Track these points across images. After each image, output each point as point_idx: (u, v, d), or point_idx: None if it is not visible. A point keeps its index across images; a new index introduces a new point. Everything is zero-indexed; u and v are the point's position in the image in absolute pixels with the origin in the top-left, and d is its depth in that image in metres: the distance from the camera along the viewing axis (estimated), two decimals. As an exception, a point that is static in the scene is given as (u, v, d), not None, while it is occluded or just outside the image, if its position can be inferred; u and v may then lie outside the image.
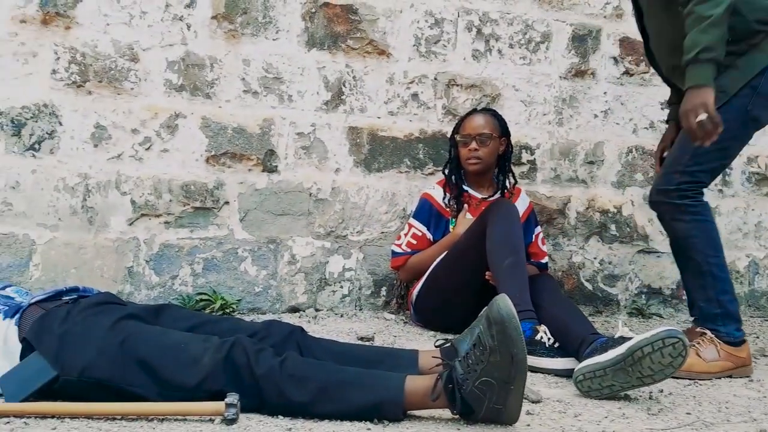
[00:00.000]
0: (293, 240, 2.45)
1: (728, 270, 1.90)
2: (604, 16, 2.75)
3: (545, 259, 2.38)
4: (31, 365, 1.29)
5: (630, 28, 2.77)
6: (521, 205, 2.33)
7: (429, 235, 2.30)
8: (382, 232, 2.54)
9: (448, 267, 2.16)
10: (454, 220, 2.29)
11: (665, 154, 2.06)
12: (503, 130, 2.33)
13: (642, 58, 2.79)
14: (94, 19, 2.24)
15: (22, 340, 1.33)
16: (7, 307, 1.41)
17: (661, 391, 1.66)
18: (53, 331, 1.31)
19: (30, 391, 1.25)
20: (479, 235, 2.03)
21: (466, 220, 2.23)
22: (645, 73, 2.80)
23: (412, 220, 2.35)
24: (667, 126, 2.22)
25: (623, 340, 1.55)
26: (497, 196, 2.32)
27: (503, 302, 1.22)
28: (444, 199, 2.31)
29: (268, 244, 2.42)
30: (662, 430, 1.38)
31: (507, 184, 2.37)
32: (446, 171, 2.36)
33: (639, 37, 2.71)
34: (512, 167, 2.42)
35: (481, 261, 2.00)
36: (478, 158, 2.24)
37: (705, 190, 1.88)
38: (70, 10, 2.23)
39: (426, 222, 2.31)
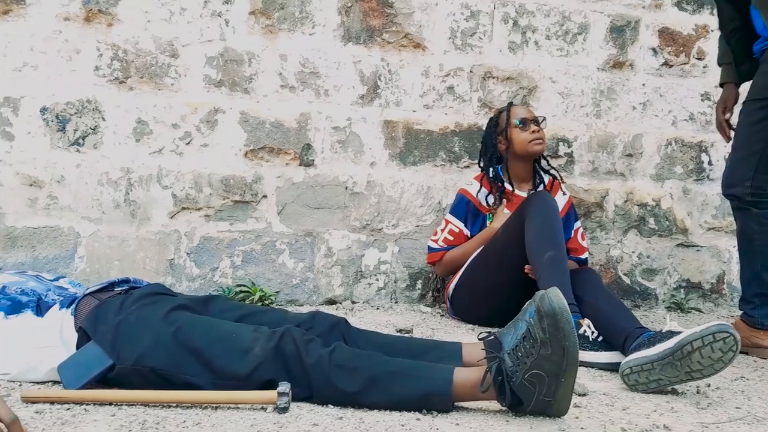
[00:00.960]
0: (329, 233, 2.47)
1: None
2: (643, 6, 2.70)
3: (585, 255, 2.35)
4: (88, 354, 1.32)
5: (669, 18, 2.73)
6: (560, 199, 2.31)
7: (466, 231, 2.30)
8: (418, 226, 2.55)
9: (485, 262, 2.15)
10: (491, 215, 2.28)
11: (727, 115, 2.19)
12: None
13: (682, 49, 2.74)
14: (135, 16, 2.28)
15: (78, 329, 1.36)
16: (62, 298, 1.45)
17: (708, 385, 1.63)
18: (108, 320, 1.34)
19: (88, 379, 1.28)
20: (518, 229, 2.01)
21: (503, 214, 2.21)
22: (684, 64, 2.75)
23: (448, 216, 2.34)
24: (722, 88, 2.23)
25: (672, 334, 1.52)
26: (539, 189, 2.31)
27: (555, 295, 1.22)
28: (479, 194, 2.30)
29: (305, 237, 2.44)
30: (712, 423, 1.36)
31: (545, 177, 2.35)
32: (481, 164, 2.34)
33: (678, 28, 2.66)
34: (550, 161, 2.40)
35: (520, 255, 1.98)
36: (541, 138, 2.25)
37: None
38: (112, 7, 2.27)
39: (463, 218, 2.31)
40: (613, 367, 1.67)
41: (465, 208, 2.31)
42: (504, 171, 2.33)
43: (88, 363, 1.31)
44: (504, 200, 2.27)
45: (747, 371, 1.81)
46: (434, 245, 2.32)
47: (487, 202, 2.29)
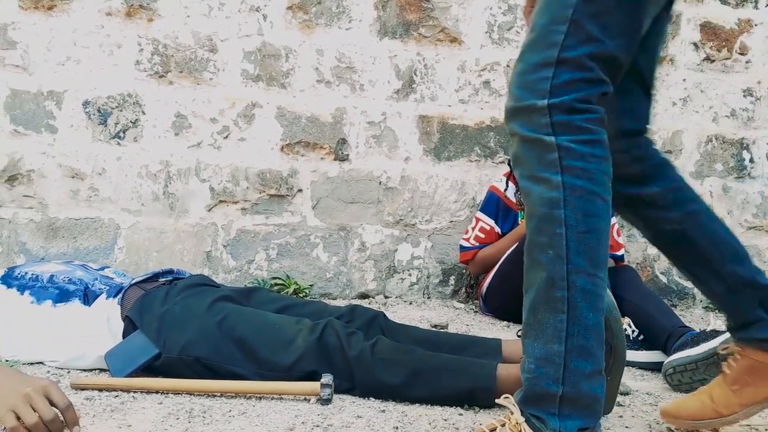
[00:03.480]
0: (363, 227, 2.47)
1: None
2: (685, 0, 2.64)
3: (621, 251, 2.32)
4: (134, 343, 1.34)
5: (712, 12, 2.67)
6: None
7: (497, 229, 2.28)
8: (451, 221, 2.54)
9: (519, 260, 2.12)
10: (522, 212, 2.26)
11: None
12: None
13: (724, 43, 2.68)
14: (175, 11, 2.31)
15: (125, 318, 1.39)
16: (109, 287, 1.48)
17: (753, 387, 1.60)
18: (154, 310, 1.37)
19: (135, 367, 1.30)
20: None
21: None
22: (727, 59, 2.68)
23: (479, 214, 2.33)
24: None
25: (716, 333, 1.50)
26: None
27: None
28: (507, 190, 2.28)
29: (339, 231, 2.45)
30: (761, 425, 1.33)
31: None
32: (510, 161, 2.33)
33: (721, 22, 2.59)
34: None
35: None
36: None
37: None
38: (152, 2, 2.30)
39: (494, 215, 2.29)
40: (653, 366, 1.64)
41: (495, 206, 2.29)
42: None
43: (134, 352, 1.33)
44: None
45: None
46: (466, 244, 2.31)
47: (517, 200, 2.27)
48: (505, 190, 2.28)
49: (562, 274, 0.93)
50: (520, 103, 0.94)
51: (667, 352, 1.59)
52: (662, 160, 1.16)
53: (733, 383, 1.11)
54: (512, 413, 1.00)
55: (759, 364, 1.10)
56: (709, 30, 2.67)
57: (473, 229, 2.31)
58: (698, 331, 1.57)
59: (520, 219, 2.26)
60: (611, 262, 2.22)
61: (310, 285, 2.39)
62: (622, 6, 0.93)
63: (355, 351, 1.29)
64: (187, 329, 1.33)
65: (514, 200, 2.27)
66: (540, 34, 0.94)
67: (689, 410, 1.13)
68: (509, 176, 2.30)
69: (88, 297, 1.44)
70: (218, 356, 1.31)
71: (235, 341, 1.31)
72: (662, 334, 1.66)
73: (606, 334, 1.20)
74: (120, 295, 1.42)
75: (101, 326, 1.38)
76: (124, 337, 1.37)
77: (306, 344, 1.30)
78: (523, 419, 0.98)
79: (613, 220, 2.34)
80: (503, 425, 1.00)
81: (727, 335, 1.44)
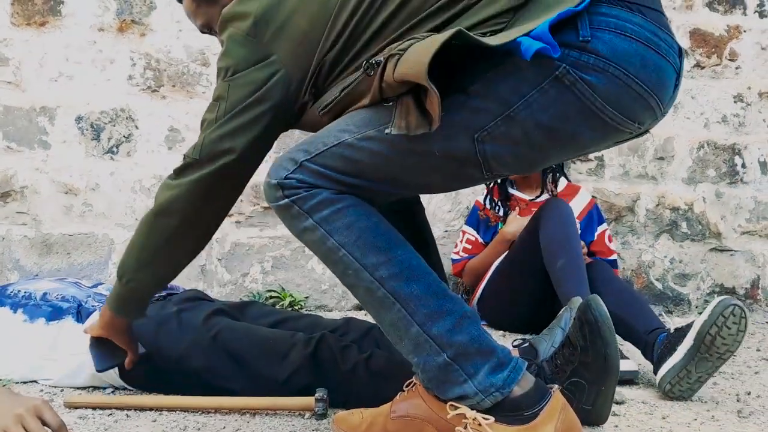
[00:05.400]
0: (358, 239, 2.47)
1: None
2: (674, 8, 2.67)
3: (613, 257, 2.31)
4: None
5: (701, 19, 2.69)
6: (580, 201, 2.29)
7: (481, 239, 2.32)
8: (446, 231, 2.54)
9: (506, 269, 2.16)
10: (502, 224, 2.28)
11: None
12: None
13: (713, 50, 2.70)
14: (167, 25, 2.32)
15: (118, 334, 1.38)
16: (101, 304, 1.47)
17: (749, 393, 1.60)
18: (149, 324, 1.36)
19: (115, 362, 1.27)
20: (533, 236, 2.00)
21: (516, 219, 2.21)
22: (717, 65, 2.70)
23: (465, 227, 2.38)
24: None
25: (683, 330, 1.51)
26: (545, 196, 2.26)
27: (595, 303, 1.20)
28: (486, 200, 2.30)
29: (334, 243, 2.45)
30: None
31: (555, 183, 2.29)
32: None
33: (710, 29, 2.62)
34: (562, 165, 2.34)
35: (539, 262, 1.98)
36: None
37: None
38: (144, 17, 2.31)
39: (476, 226, 2.34)
40: (630, 376, 1.63)
41: (477, 217, 2.34)
42: (513, 180, 2.33)
43: (116, 346, 1.31)
44: (517, 209, 2.27)
45: (788, 379, 1.77)
46: (455, 256, 2.36)
47: (491, 208, 2.29)
48: (485, 199, 2.31)
49: (369, 279, 1.00)
50: (264, 181, 1.06)
51: (653, 364, 1.60)
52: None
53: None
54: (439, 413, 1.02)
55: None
56: (698, 37, 2.70)
57: (461, 241, 2.36)
58: (665, 333, 1.58)
59: (500, 227, 2.29)
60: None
61: (306, 297, 2.39)
62: (388, 171, 1.02)
63: (350, 365, 1.29)
64: (180, 344, 1.33)
65: (491, 210, 2.29)
66: (306, 139, 1.06)
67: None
68: (489, 190, 2.32)
69: (81, 314, 1.43)
70: (212, 371, 1.31)
71: (229, 356, 1.31)
72: (637, 341, 1.67)
73: (599, 343, 1.20)
74: (113, 312, 1.41)
75: (94, 343, 1.37)
76: (117, 354, 1.37)
77: (300, 359, 1.30)
78: (448, 408, 1.01)
79: (604, 226, 2.33)
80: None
81: (696, 328, 1.46)
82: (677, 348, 1.49)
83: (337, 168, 1.00)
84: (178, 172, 1.12)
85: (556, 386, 1.06)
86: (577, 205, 2.24)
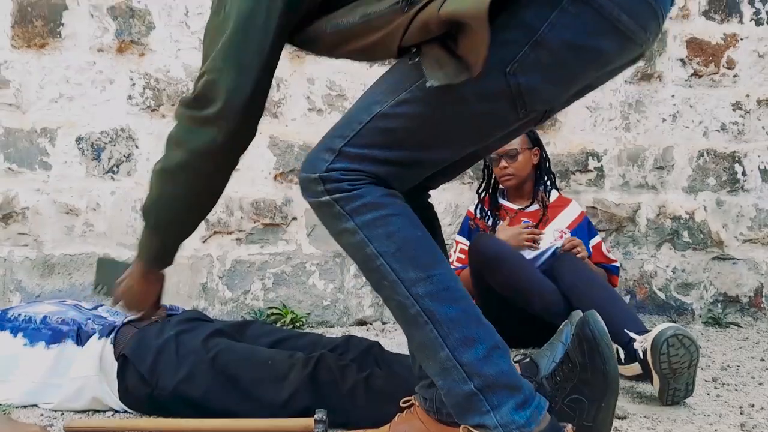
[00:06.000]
0: (359, 253, 2.47)
1: None
2: (670, 17, 2.67)
3: (615, 264, 2.25)
4: None
5: (697, 28, 2.70)
6: (570, 214, 2.24)
7: None
8: (446, 244, 2.54)
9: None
10: (492, 233, 2.27)
11: None
12: (533, 141, 2.26)
13: (711, 58, 2.71)
14: (166, 45, 2.34)
15: (118, 357, 1.38)
16: (101, 327, 1.48)
17: (752, 405, 1.59)
18: (149, 347, 1.37)
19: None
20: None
21: (505, 229, 2.19)
22: (714, 74, 2.71)
23: (457, 237, 2.37)
24: None
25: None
26: (535, 206, 2.24)
27: (593, 319, 1.20)
28: (476, 209, 2.29)
29: (335, 258, 2.45)
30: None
31: (546, 194, 2.27)
32: (479, 191, 2.32)
33: (707, 38, 2.62)
34: (554, 176, 2.33)
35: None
36: (510, 175, 2.21)
37: None
38: (143, 37, 2.33)
39: (467, 235, 2.33)
40: None
41: (468, 227, 2.33)
42: (503, 190, 2.32)
43: None
44: (498, 216, 2.25)
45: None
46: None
47: (481, 217, 2.28)
48: (475, 208, 2.30)
49: (404, 293, 0.97)
50: (301, 176, 1.03)
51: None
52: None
53: None
54: None
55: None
56: (695, 46, 2.70)
57: (454, 251, 2.35)
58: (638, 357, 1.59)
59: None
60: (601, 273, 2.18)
61: (307, 314, 2.39)
62: (423, 134, 0.99)
63: (349, 384, 1.28)
64: (181, 366, 1.33)
65: (481, 219, 2.29)
66: (341, 122, 1.03)
67: None
68: (480, 199, 2.31)
69: (80, 337, 1.44)
70: (211, 394, 1.30)
71: (228, 378, 1.31)
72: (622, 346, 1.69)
73: (598, 360, 1.20)
74: (113, 334, 1.42)
75: (93, 366, 1.38)
76: (118, 376, 1.37)
77: (299, 379, 1.29)
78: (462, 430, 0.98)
79: (597, 238, 2.28)
80: None
81: (651, 362, 1.49)
82: (652, 375, 1.53)
83: (377, 143, 0.97)
84: (193, 123, 1.09)
85: (569, 426, 1.04)
86: (567, 218, 2.22)
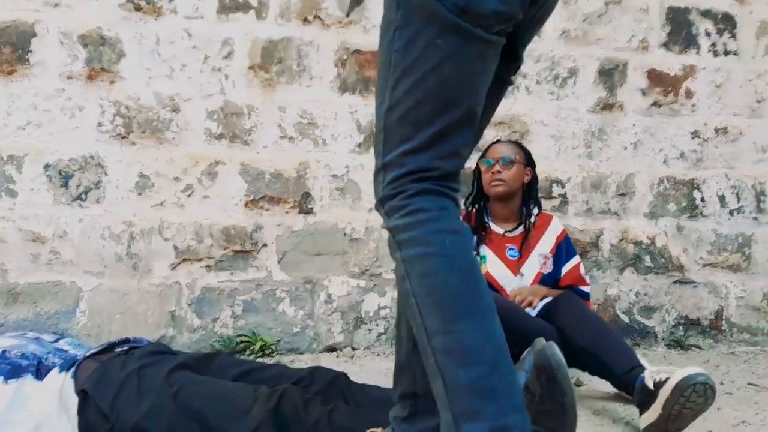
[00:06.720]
0: (329, 279, 2.49)
1: None
2: (631, 49, 2.77)
3: (587, 288, 2.27)
4: None
5: (657, 59, 2.80)
6: (552, 235, 2.25)
7: None
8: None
9: None
10: (485, 256, 2.26)
11: None
12: (528, 160, 2.26)
13: (670, 89, 2.81)
14: (137, 73, 2.35)
15: (79, 392, 1.38)
16: (62, 360, 1.47)
17: (710, 431, 1.63)
18: (111, 381, 1.36)
19: None
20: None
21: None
22: (673, 103, 2.81)
23: None
24: None
25: (653, 393, 1.54)
26: (520, 230, 2.23)
27: (551, 350, 1.24)
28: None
29: (305, 285, 2.46)
30: None
31: (531, 217, 2.25)
32: (467, 203, 2.31)
33: (666, 69, 2.70)
34: (540, 200, 2.33)
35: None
36: (501, 180, 2.17)
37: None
38: (114, 65, 2.33)
39: None
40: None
41: None
42: (488, 211, 2.29)
43: None
44: (483, 236, 2.22)
45: None
46: None
47: None
48: None
49: (424, 341, 0.94)
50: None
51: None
52: None
53: None
54: None
55: None
56: (655, 77, 2.80)
57: None
58: (642, 378, 1.60)
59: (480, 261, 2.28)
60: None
61: (277, 341, 2.39)
62: (428, 99, 0.98)
63: (312, 419, 1.30)
64: (142, 402, 1.33)
65: None
66: (374, 143, 1.06)
67: None
68: (467, 213, 2.30)
69: (40, 371, 1.42)
70: (174, 429, 1.30)
71: (190, 414, 1.31)
72: (616, 382, 1.70)
73: (556, 392, 1.23)
74: (73, 368, 1.41)
75: (54, 402, 1.37)
76: (78, 412, 1.36)
77: (262, 414, 1.30)
78: None
79: (577, 259, 2.28)
80: None
81: (662, 399, 1.48)
82: (651, 407, 1.52)
83: (404, 136, 0.98)
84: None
85: None
86: (549, 241, 2.22)
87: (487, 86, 1.03)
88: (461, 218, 2.21)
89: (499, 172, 2.18)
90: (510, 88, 2.64)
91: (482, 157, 2.29)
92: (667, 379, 1.50)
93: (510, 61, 1.14)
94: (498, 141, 2.35)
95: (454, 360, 0.91)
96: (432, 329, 0.93)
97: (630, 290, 2.74)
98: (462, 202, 2.33)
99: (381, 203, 1.00)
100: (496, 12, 0.95)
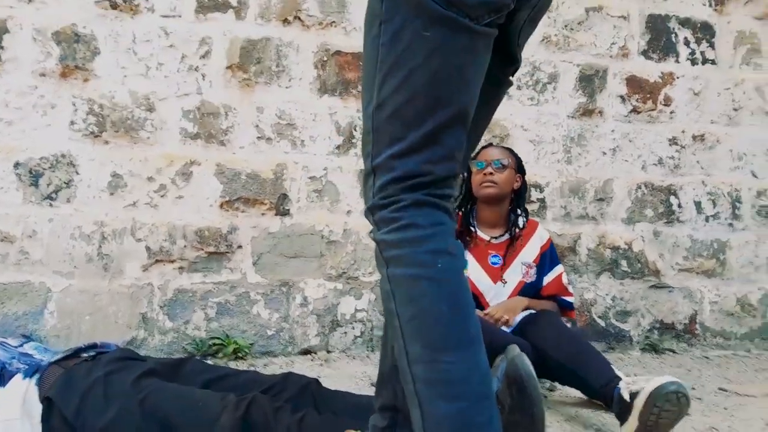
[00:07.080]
0: (305, 282, 2.46)
1: None
2: (611, 56, 2.79)
3: (571, 299, 2.27)
4: None
5: (636, 66, 2.82)
6: (536, 243, 2.23)
7: None
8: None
9: None
10: (466, 262, 2.26)
11: None
12: (519, 166, 2.25)
13: (649, 95, 2.83)
14: (112, 71, 2.30)
15: (43, 400, 1.34)
16: (26, 366, 1.43)
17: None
18: (76, 388, 1.33)
19: None
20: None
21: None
22: (652, 110, 2.83)
23: None
24: None
25: (629, 405, 1.54)
26: (506, 237, 2.21)
27: (521, 361, 1.23)
28: None
29: (281, 287, 2.44)
30: None
31: (519, 223, 2.23)
32: (456, 204, 2.28)
33: (645, 76, 2.72)
34: (527, 209, 2.30)
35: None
36: (493, 182, 2.15)
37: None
38: (88, 63, 2.29)
39: None
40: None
41: None
42: (475, 216, 2.27)
43: None
44: (467, 241, 2.20)
45: None
46: None
47: None
48: None
49: (404, 366, 0.89)
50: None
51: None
52: None
53: None
54: None
55: None
56: (634, 83, 2.82)
57: None
58: (619, 389, 1.61)
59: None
60: (547, 305, 2.20)
61: (251, 344, 2.36)
62: (418, 96, 0.92)
63: (282, 428, 1.28)
64: (108, 409, 1.30)
65: None
66: (362, 144, 1.00)
67: None
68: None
69: (4, 377, 1.39)
70: (139, 438, 1.27)
71: (157, 421, 1.28)
72: (593, 394, 1.71)
73: (526, 402, 1.23)
74: (38, 375, 1.38)
75: (16, 409, 1.33)
76: (42, 420, 1.33)
77: (231, 423, 1.28)
78: None
79: (560, 268, 2.28)
80: None
81: (637, 409, 1.49)
82: (628, 418, 1.52)
83: (396, 135, 0.92)
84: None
85: None
86: (533, 249, 2.21)
87: (479, 83, 0.98)
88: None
89: (491, 174, 2.17)
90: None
91: (473, 158, 2.24)
92: (641, 389, 1.51)
93: (507, 63, 1.11)
94: (490, 145, 2.33)
95: (434, 391, 0.87)
96: (414, 356, 0.88)
97: (606, 294, 2.75)
98: None
99: (371, 211, 0.95)
100: (485, 1, 0.91)
